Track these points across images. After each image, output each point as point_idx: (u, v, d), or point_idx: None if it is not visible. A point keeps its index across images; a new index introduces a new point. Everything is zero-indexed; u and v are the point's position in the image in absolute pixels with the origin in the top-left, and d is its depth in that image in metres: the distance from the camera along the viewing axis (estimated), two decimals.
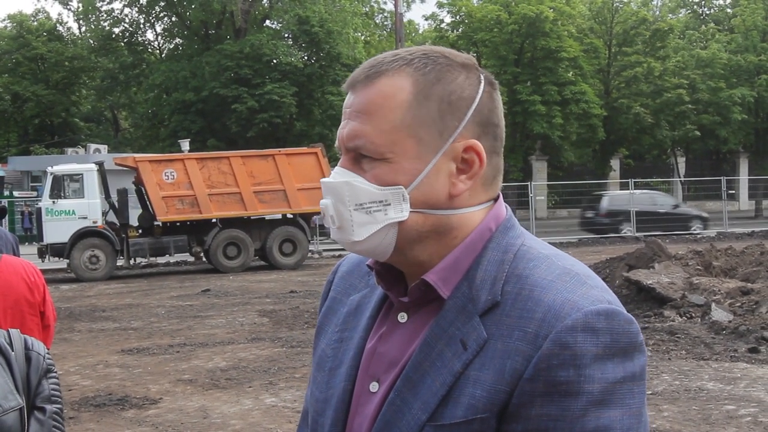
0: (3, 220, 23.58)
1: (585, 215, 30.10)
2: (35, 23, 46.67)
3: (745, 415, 6.67)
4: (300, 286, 16.93)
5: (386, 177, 1.21)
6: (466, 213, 1.24)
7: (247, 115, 33.82)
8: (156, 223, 20.56)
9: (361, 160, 1.23)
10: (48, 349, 2.17)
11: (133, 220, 20.79)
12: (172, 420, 7.17)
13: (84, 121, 47.91)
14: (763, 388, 7.45)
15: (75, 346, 10.95)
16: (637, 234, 27.38)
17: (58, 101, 44.13)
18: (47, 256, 20.09)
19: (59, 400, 2.08)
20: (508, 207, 1.31)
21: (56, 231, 19.86)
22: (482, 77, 1.26)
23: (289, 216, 21.36)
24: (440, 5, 39.60)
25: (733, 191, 39.78)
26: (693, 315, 10.30)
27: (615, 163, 42.52)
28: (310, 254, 22.84)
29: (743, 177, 42.52)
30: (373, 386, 1.25)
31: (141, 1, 39.94)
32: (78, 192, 20.32)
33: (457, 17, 39.26)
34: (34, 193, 32.16)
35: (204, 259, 21.18)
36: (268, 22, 39.19)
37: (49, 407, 2.03)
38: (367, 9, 44.10)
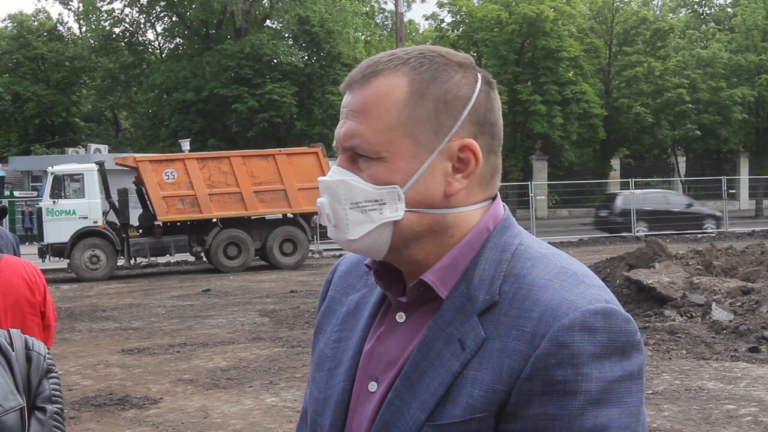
0: (3, 220, 23.57)
1: (599, 214, 30.15)
2: (36, 23, 46.66)
3: (746, 415, 6.67)
4: (300, 285, 16.94)
5: (382, 176, 1.21)
6: (462, 212, 1.24)
7: (248, 114, 33.82)
8: (156, 222, 20.56)
9: (357, 159, 1.23)
10: (48, 349, 2.17)
11: (134, 220, 20.79)
12: (172, 420, 7.18)
13: (84, 121, 47.90)
14: (763, 388, 7.45)
15: (75, 346, 10.96)
16: (650, 233, 27.49)
17: (59, 101, 44.13)
18: (48, 256, 20.09)
19: (60, 400, 2.08)
20: (506, 206, 1.31)
21: (57, 231, 19.86)
22: (479, 76, 1.26)
23: (290, 216, 21.37)
24: (441, 5, 39.61)
25: (734, 191, 39.78)
26: (693, 314, 10.30)
27: (615, 163, 42.52)
28: (310, 254, 22.85)
29: (744, 176, 42.51)
30: (372, 386, 1.25)
31: (141, 1, 39.94)
32: (78, 192, 20.32)
33: (458, 17, 39.27)
34: (35, 193, 32.15)
35: (204, 258, 21.18)
36: (268, 21, 39.17)
37: (49, 407, 2.03)
38: (368, 9, 44.09)
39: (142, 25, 41.74)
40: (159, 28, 42.64)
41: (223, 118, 34.93)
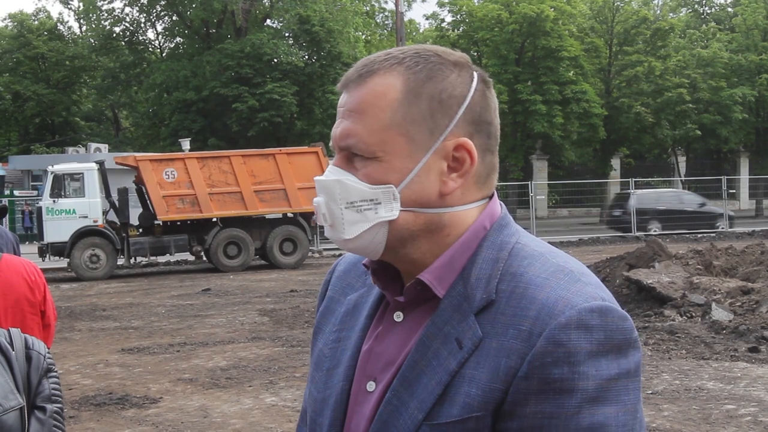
0: (3, 219, 23.57)
1: (612, 213, 30.19)
2: (36, 22, 46.66)
3: (745, 415, 6.67)
4: (300, 285, 16.94)
5: (377, 176, 1.21)
6: (458, 211, 1.24)
7: (248, 114, 33.82)
8: (156, 222, 20.56)
9: (353, 158, 1.23)
10: (48, 349, 2.17)
11: (134, 219, 20.79)
12: (172, 419, 7.18)
13: (85, 120, 47.91)
14: (763, 388, 7.45)
15: (75, 345, 10.96)
16: (663, 232, 27.63)
17: (59, 100, 44.13)
18: (48, 255, 20.09)
19: (60, 399, 2.09)
20: (503, 205, 1.31)
21: (57, 230, 19.86)
22: (475, 75, 1.26)
23: (290, 215, 21.37)
24: (441, 4, 39.61)
25: (734, 190, 39.77)
26: (693, 314, 10.30)
27: (616, 163, 42.50)
28: (310, 253, 22.85)
29: (744, 176, 42.51)
30: (370, 386, 1.26)
31: (142, 1, 39.93)
32: (78, 191, 20.32)
33: (458, 16, 39.27)
34: (35, 192, 32.14)
35: (204, 258, 21.18)
36: (268, 21, 39.17)
37: (49, 407, 2.04)
38: (368, 8, 44.09)
39: (142, 25, 41.75)
40: (159, 28, 42.69)
41: (223, 118, 34.93)
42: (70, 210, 20.03)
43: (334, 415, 1.29)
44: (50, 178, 20.29)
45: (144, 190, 20.44)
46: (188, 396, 7.97)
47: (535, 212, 30.39)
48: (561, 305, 1.13)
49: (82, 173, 20.39)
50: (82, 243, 19.95)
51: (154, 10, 40.74)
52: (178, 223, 20.63)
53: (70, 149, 34.83)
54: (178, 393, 8.10)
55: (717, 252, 13.83)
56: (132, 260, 21.21)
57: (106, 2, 40.38)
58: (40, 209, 20.50)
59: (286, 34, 37.52)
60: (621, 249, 18.49)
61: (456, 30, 39.80)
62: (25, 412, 1.98)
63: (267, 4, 38.60)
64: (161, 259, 22.25)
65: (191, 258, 21.89)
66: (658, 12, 43.77)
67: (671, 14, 46.21)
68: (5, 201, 26.51)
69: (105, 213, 20.58)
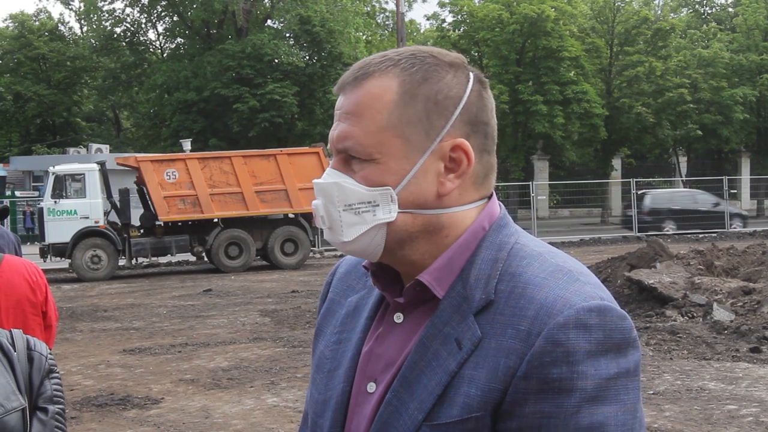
0: (5, 220, 23.58)
1: (626, 213, 30.27)
2: (37, 23, 46.66)
3: (747, 415, 6.67)
4: (301, 285, 16.95)
5: (375, 178, 1.22)
6: (456, 212, 1.24)
7: (249, 114, 33.83)
8: (158, 222, 20.57)
9: (350, 161, 1.24)
10: (50, 349, 2.17)
11: (135, 220, 20.80)
12: (173, 420, 7.18)
13: (86, 120, 47.92)
14: (764, 388, 7.45)
15: (77, 346, 10.97)
16: (679, 232, 27.73)
17: (60, 101, 44.15)
18: (49, 256, 20.10)
19: (62, 400, 2.09)
20: (502, 205, 1.31)
21: (58, 231, 19.88)
22: (471, 76, 1.26)
23: (291, 216, 21.38)
24: (442, 5, 39.60)
25: (735, 191, 39.75)
26: (695, 315, 10.29)
27: (617, 163, 42.49)
28: (311, 254, 22.86)
29: (745, 176, 42.49)
30: (371, 387, 1.26)
31: (142, 1, 39.94)
32: (80, 192, 20.33)
33: (459, 17, 39.25)
34: (36, 193, 32.17)
35: (205, 258, 21.19)
36: (269, 21, 39.18)
37: (51, 408, 2.04)
38: (369, 9, 44.09)
39: (143, 25, 41.76)
40: (160, 28, 42.71)
41: (224, 118, 34.95)
42: (71, 211, 20.05)
43: (335, 416, 1.29)
44: (51, 178, 20.31)
45: (145, 191, 20.46)
46: (190, 396, 7.98)
47: (537, 212, 30.41)
48: (560, 305, 1.13)
49: (84, 174, 20.40)
50: (83, 244, 19.96)
51: (155, 11, 40.76)
52: (180, 223, 20.64)
53: (71, 150, 34.86)
54: (179, 393, 8.11)
55: (718, 252, 13.83)
56: (133, 261, 21.22)
57: (107, 3, 40.41)
58: (41, 210, 20.52)
59: (287, 35, 37.54)
60: (622, 249, 18.49)
61: (457, 30, 39.78)
62: (27, 413, 1.98)
63: (268, 4, 38.62)
64: (162, 259, 22.26)
65: (192, 259, 21.90)
66: (659, 12, 43.76)
67: (672, 14, 46.19)
68: (6, 202, 26.52)
69: (106, 214, 20.59)
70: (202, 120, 35.55)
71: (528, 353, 1.12)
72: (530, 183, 31.12)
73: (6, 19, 50.16)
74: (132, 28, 41.47)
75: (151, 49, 43.30)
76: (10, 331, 2.11)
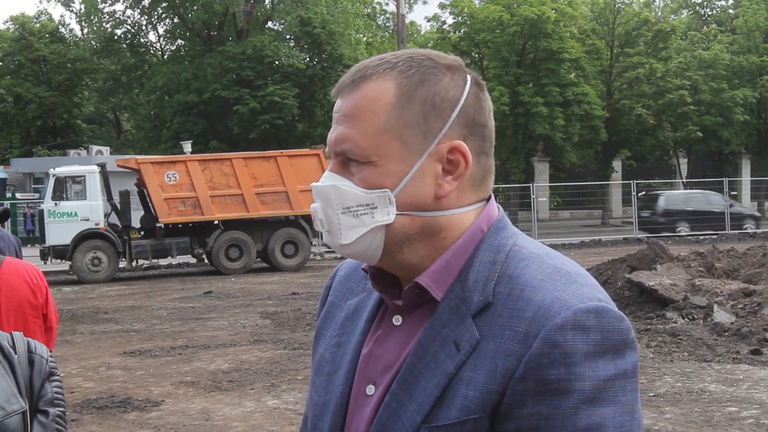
0: (5, 222, 23.55)
1: (641, 215, 30.31)
2: (38, 25, 46.69)
3: (748, 417, 6.67)
4: (302, 287, 16.94)
5: (372, 180, 1.22)
6: (454, 214, 1.25)
7: (249, 116, 33.85)
8: (158, 224, 20.57)
9: (348, 163, 1.25)
10: (51, 352, 2.17)
11: (135, 222, 20.80)
12: (174, 422, 7.18)
13: (86, 122, 47.95)
14: (765, 390, 7.45)
15: (77, 348, 10.97)
16: (692, 233, 27.81)
17: (61, 103, 44.18)
18: (49, 258, 20.10)
19: (62, 403, 2.09)
20: (501, 207, 1.31)
21: (58, 233, 19.88)
22: (468, 78, 1.26)
23: (291, 218, 21.37)
24: (442, 6, 39.59)
25: (736, 192, 39.74)
26: (695, 317, 10.29)
27: (617, 165, 42.47)
28: (312, 256, 22.85)
29: (746, 178, 42.47)
30: (370, 389, 1.26)
31: (143, 3, 39.98)
32: (80, 194, 20.33)
33: (459, 18, 39.22)
34: (37, 195, 32.18)
35: (206, 260, 21.19)
36: (270, 23, 39.22)
37: (52, 410, 2.04)
38: (369, 10, 44.12)
39: (143, 27, 41.81)
40: (161, 30, 42.74)
41: (224, 120, 34.97)
42: (71, 213, 20.05)
43: (334, 419, 1.30)
44: (52, 180, 20.31)
45: (145, 193, 20.45)
46: (190, 399, 7.98)
47: (537, 214, 30.41)
48: (557, 306, 1.14)
49: (84, 176, 20.41)
50: (83, 246, 19.96)
51: (156, 13, 40.79)
52: (180, 225, 20.64)
53: (72, 152, 34.90)
54: (179, 396, 8.11)
55: (719, 254, 13.83)
56: (134, 263, 21.21)
57: (107, 5, 40.46)
58: (41, 212, 20.53)
59: (288, 36, 37.56)
60: (623, 251, 18.48)
61: (457, 32, 39.76)
62: (28, 415, 1.98)
63: (268, 6, 38.65)
64: (163, 261, 22.26)
65: (193, 260, 21.89)
66: (660, 14, 43.75)
67: (672, 16, 46.19)
68: (7, 204, 26.53)
69: (107, 216, 20.58)
70: (203, 122, 35.56)
71: (526, 355, 1.12)
72: (531, 185, 31.12)
73: (6, 21, 50.26)
74: (132, 30, 41.51)
75: (151, 51, 43.33)
76: (11, 334, 2.11)
